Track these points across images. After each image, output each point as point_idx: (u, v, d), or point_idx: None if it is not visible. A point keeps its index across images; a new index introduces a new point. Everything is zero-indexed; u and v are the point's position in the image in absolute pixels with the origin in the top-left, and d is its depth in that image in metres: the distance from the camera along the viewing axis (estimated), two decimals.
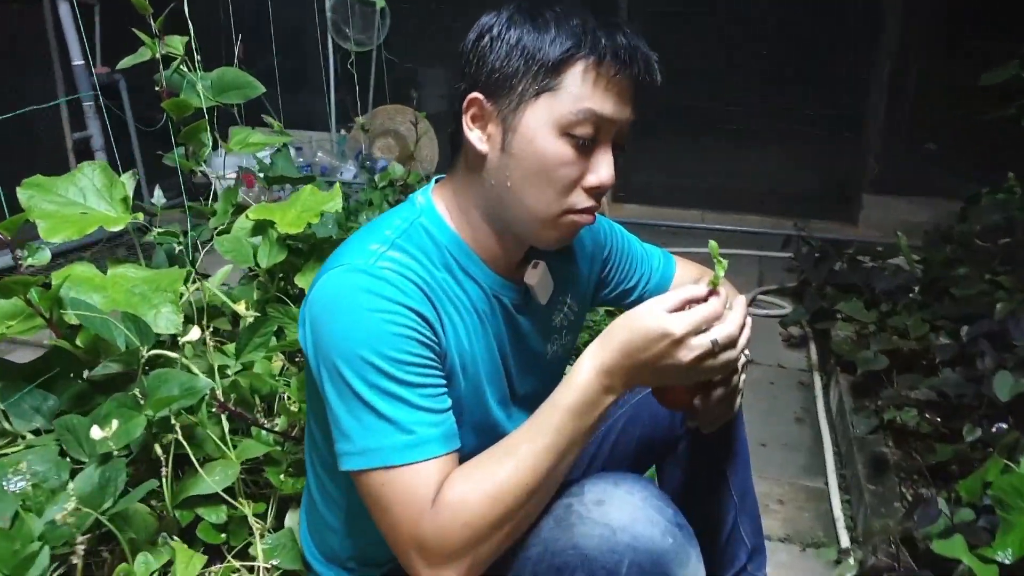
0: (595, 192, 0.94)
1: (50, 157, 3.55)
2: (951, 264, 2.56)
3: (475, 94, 0.92)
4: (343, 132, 4.13)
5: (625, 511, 0.90)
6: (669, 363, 0.85)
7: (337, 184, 1.69)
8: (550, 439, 0.87)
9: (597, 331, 2.34)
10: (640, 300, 1.28)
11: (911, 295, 2.48)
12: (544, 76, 0.88)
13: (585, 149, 0.90)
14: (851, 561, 1.51)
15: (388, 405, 0.86)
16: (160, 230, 1.48)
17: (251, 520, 1.25)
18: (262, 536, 1.28)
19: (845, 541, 1.73)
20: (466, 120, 0.93)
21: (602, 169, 0.92)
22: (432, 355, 0.91)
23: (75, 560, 0.91)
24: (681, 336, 0.83)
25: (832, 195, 4.16)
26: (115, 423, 1.09)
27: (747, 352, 1.12)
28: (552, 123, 0.88)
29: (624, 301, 1.28)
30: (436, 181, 1.05)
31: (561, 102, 0.88)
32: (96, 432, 1.06)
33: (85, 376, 1.26)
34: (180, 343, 1.24)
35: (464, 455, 1.02)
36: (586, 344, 0.91)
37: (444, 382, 0.92)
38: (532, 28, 0.89)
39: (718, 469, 1.26)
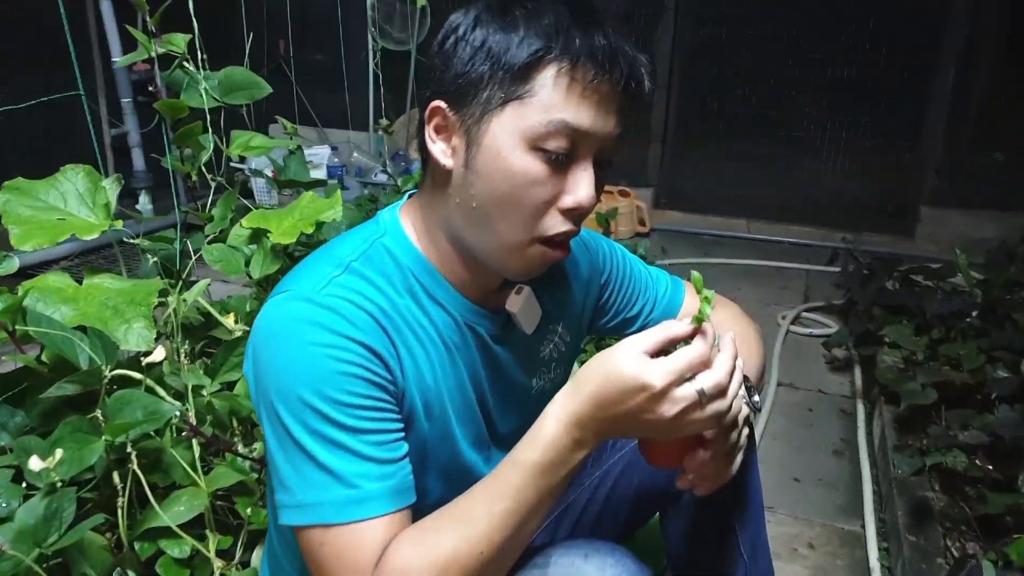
0: (573, 215, 0.81)
1: (89, 154, 3.56)
2: (1014, 286, 2.36)
3: (438, 102, 0.81)
4: (381, 132, 4.07)
5: None
6: (649, 417, 0.73)
7: (338, 191, 1.60)
8: (510, 502, 0.75)
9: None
10: (643, 330, 1.16)
11: (968, 320, 2.29)
12: (511, 82, 0.77)
13: (559, 165, 0.78)
14: None
15: (329, 454, 0.76)
16: (140, 239, 1.40)
17: (212, 559, 1.16)
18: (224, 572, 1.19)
19: None
20: (429, 131, 0.83)
21: (580, 188, 0.80)
22: (384, 396, 0.80)
23: None
24: (662, 389, 0.71)
25: (887, 207, 3.94)
26: (59, 453, 1.01)
27: (756, 399, 0.99)
28: (520, 136, 0.77)
29: (625, 331, 1.16)
30: (409, 196, 0.95)
31: (530, 112, 0.76)
32: (35, 463, 0.98)
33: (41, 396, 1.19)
34: (143, 364, 1.16)
35: (431, 504, 0.91)
36: None
37: (399, 426, 0.82)
38: (499, 28, 0.77)
39: (726, 521, 1.12)
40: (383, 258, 0.86)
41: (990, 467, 1.66)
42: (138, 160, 3.44)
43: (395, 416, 0.81)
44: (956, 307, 2.32)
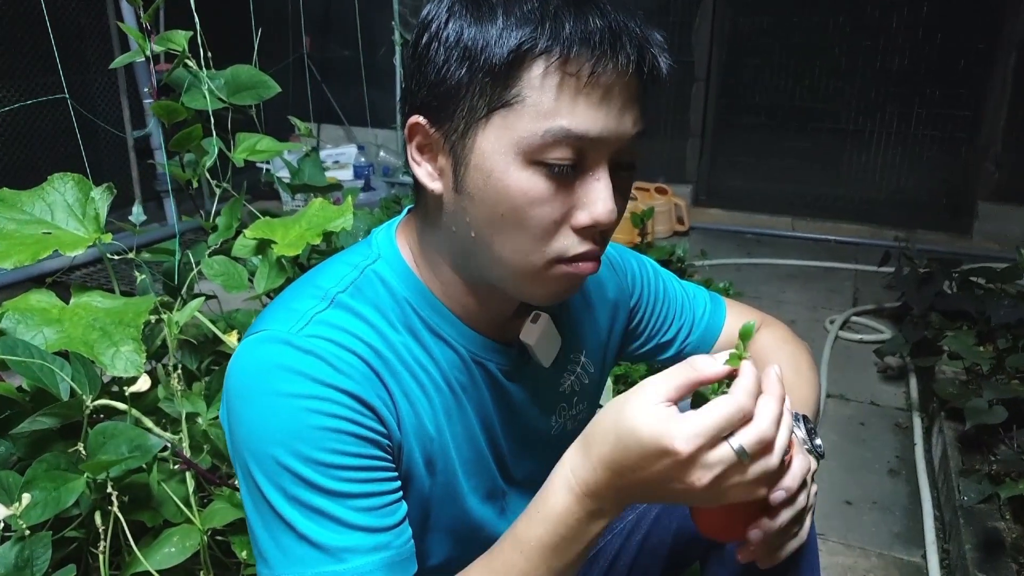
0: (591, 233, 0.68)
1: (111, 156, 3.53)
2: None
3: (417, 117, 0.68)
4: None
5: None
6: (678, 487, 0.60)
7: (349, 197, 1.49)
8: None
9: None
10: (680, 356, 1.03)
11: None
12: (493, 86, 0.63)
13: (567, 178, 0.65)
14: None
15: (312, 523, 0.64)
16: (135, 252, 1.30)
17: None
18: None
19: None
20: (412, 153, 0.70)
21: (596, 204, 0.66)
22: (377, 452, 0.68)
23: None
24: (690, 455, 0.58)
25: (942, 203, 3.74)
26: (26, 498, 0.91)
27: (819, 443, 0.85)
28: (514, 149, 0.64)
29: (659, 357, 1.03)
30: (408, 211, 0.82)
31: (521, 120, 0.63)
32: None
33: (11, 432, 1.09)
34: (126, 393, 1.06)
35: (435, 566, 0.80)
36: None
37: (395, 486, 0.70)
38: (474, 19, 0.64)
39: (778, 571, 0.99)
40: (376, 288, 0.75)
41: None
42: (161, 161, 3.38)
43: (390, 475, 0.70)
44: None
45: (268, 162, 3.20)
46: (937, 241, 3.56)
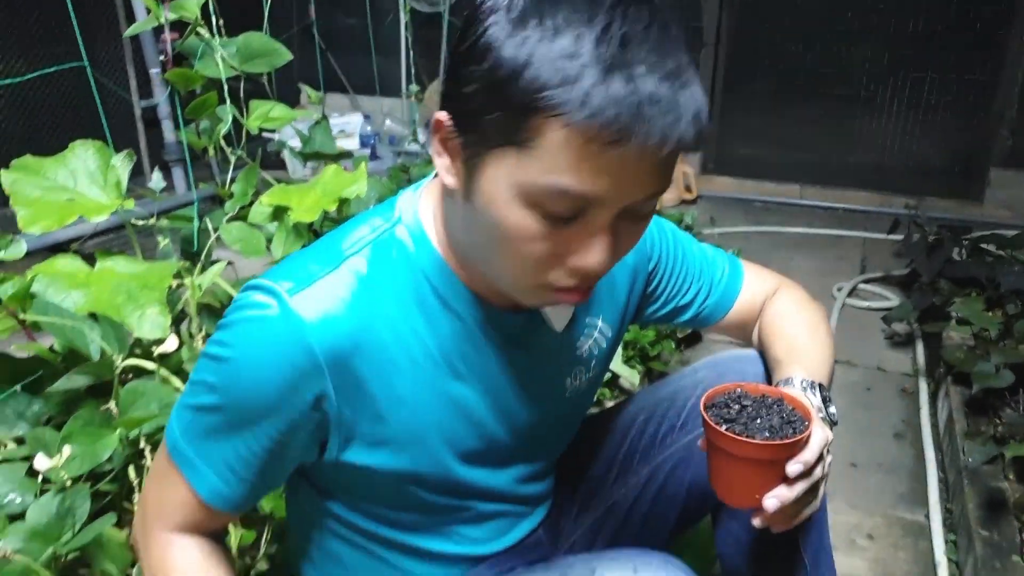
0: (581, 274, 0.68)
1: (119, 126, 3.54)
2: None
3: (442, 115, 0.68)
4: (415, 99, 3.96)
5: None
6: None
7: (363, 164, 1.51)
8: None
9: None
10: (697, 319, 1.06)
11: None
12: (510, 124, 0.61)
13: (564, 224, 0.64)
14: None
15: (202, 432, 0.77)
16: (155, 219, 1.33)
17: (235, 554, 1.10)
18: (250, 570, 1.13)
19: None
20: (435, 143, 0.71)
21: (590, 255, 0.66)
22: (280, 433, 0.75)
23: None
24: None
25: (954, 170, 3.72)
26: (67, 450, 0.95)
27: (833, 410, 0.88)
28: (516, 188, 0.63)
29: (677, 319, 1.05)
30: (435, 176, 0.84)
31: (530, 166, 0.61)
32: (41, 462, 0.93)
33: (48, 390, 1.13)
34: (155, 354, 1.09)
35: (427, 516, 0.89)
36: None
37: (272, 455, 0.77)
38: (511, 43, 0.59)
39: None
40: (392, 253, 0.77)
41: None
42: (168, 133, 3.39)
43: (278, 450, 0.77)
44: None
45: (274, 131, 3.22)
46: (948, 208, 3.55)
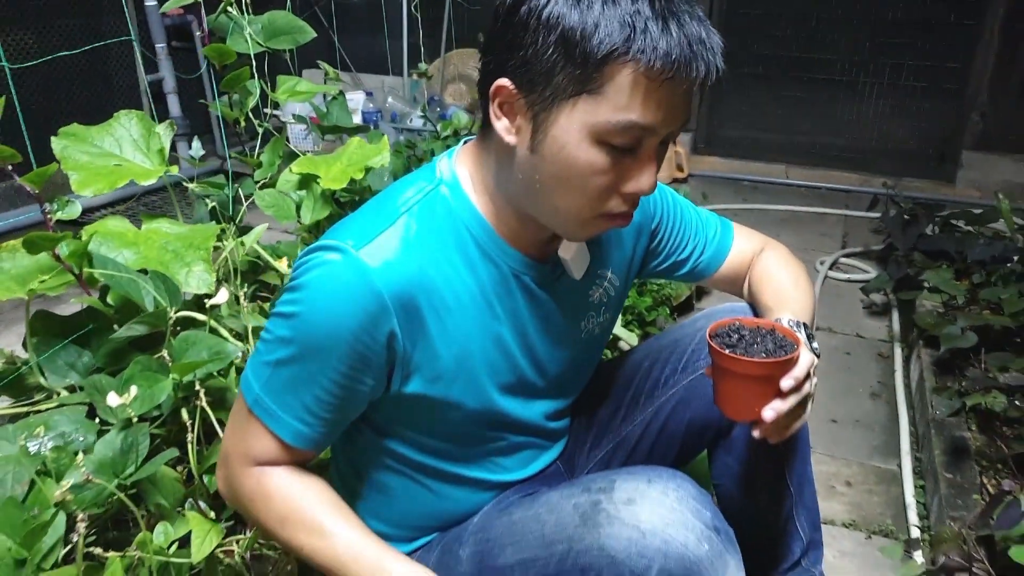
0: (633, 198, 0.83)
1: (125, 100, 3.60)
2: None
3: (504, 81, 0.79)
4: (415, 77, 4.04)
5: (657, 513, 0.83)
6: None
7: (385, 137, 1.61)
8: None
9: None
10: (693, 272, 1.18)
11: (1008, 265, 2.27)
12: (583, 76, 0.74)
13: (624, 155, 0.79)
14: (918, 560, 1.39)
15: (279, 378, 0.87)
16: (196, 184, 1.43)
17: None
18: None
19: (915, 531, 1.60)
20: (493, 108, 0.82)
21: (643, 178, 0.81)
22: (357, 372, 0.86)
23: (75, 537, 0.88)
24: None
25: (929, 152, 3.87)
26: (134, 389, 1.06)
27: (816, 345, 1.01)
28: (588, 130, 0.77)
29: (675, 273, 1.17)
30: (465, 142, 0.95)
31: (601, 108, 0.75)
32: (113, 399, 1.03)
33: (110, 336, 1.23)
34: (207, 305, 1.20)
35: (468, 447, 1.01)
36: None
37: (350, 395, 0.88)
38: (575, 9, 0.73)
39: (774, 458, 1.15)
40: (436, 209, 0.88)
41: None
42: (174, 106, 3.45)
43: (353, 388, 0.87)
44: (997, 252, 2.30)
45: (279, 107, 3.30)
46: (923, 188, 3.71)
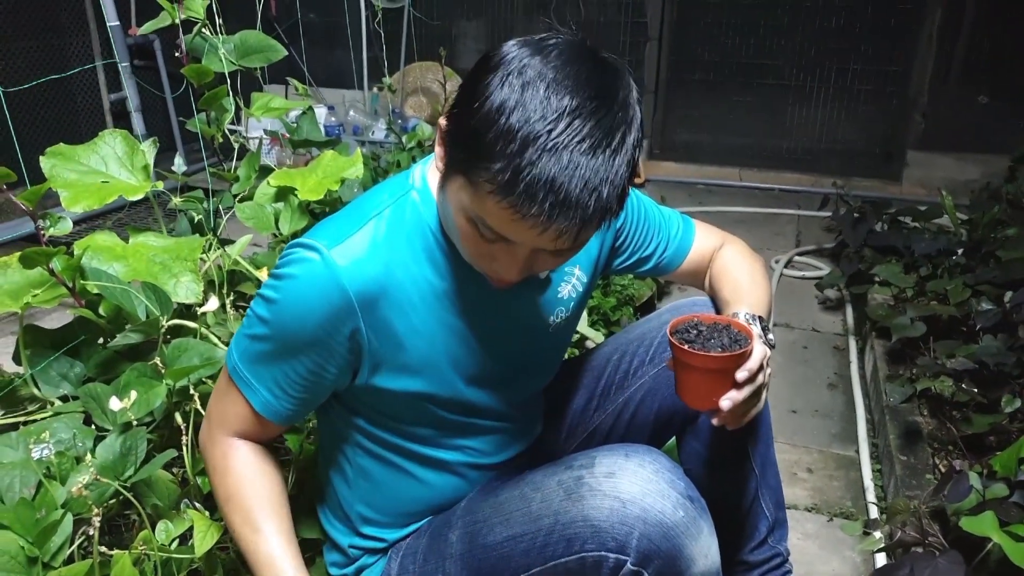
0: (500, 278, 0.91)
1: (88, 119, 3.60)
2: (998, 225, 2.46)
3: (444, 121, 0.85)
4: (376, 90, 4.09)
5: (636, 483, 0.90)
6: None
7: (358, 149, 1.67)
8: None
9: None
10: (656, 268, 1.26)
11: (953, 258, 2.40)
12: (467, 160, 0.78)
13: (497, 239, 0.83)
14: (877, 535, 1.48)
15: (257, 359, 0.96)
16: (179, 199, 1.48)
17: None
18: None
19: (874, 512, 1.70)
20: (438, 134, 0.88)
21: (504, 270, 0.87)
22: (321, 359, 0.94)
23: (91, 531, 0.93)
24: None
25: (875, 152, 4.04)
26: (133, 394, 1.10)
27: (771, 337, 1.09)
28: (460, 205, 0.83)
29: (640, 269, 1.25)
30: None
31: (472, 195, 0.79)
32: (115, 403, 1.08)
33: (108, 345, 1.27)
34: (198, 313, 1.25)
35: (443, 431, 1.07)
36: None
37: (316, 379, 0.96)
38: (491, 107, 0.75)
39: (739, 442, 1.23)
40: (407, 213, 0.95)
41: (976, 390, 1.78)
42: (138, 124, 3.46)
43: (318, 373, 0.95)
44: (942, 246, 2.44)
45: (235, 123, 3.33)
46: (871, 187, 3.86)
